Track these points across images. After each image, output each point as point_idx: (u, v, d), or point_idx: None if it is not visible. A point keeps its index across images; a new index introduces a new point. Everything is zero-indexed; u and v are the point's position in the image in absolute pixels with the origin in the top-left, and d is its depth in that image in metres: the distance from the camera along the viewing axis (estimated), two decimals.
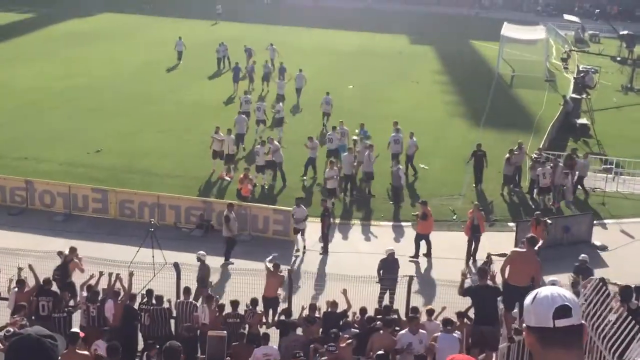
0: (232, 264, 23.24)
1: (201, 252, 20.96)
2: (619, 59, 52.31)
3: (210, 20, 69.06)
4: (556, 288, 3.71)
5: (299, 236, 24.92)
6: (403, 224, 27.01)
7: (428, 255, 24.09)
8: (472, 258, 23.67)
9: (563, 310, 3.59)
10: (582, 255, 20.62)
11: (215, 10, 69.55)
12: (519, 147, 30.43)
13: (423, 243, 24.25)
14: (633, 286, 15.95)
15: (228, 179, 29.82)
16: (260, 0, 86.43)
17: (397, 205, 28.26)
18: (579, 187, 29.36)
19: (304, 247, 24.70)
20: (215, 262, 22.53)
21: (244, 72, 44.96)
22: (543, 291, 3.69)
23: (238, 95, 40.86)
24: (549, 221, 24.13)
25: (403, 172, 29.13)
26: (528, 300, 3.72)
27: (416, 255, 23.98)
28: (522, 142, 31.31)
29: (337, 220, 26.98)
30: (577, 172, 29.08)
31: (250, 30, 60.66)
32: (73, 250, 19.72)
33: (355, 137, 31.46)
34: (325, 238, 24.63)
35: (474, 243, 23.80)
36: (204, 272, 20.36)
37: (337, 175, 28.10)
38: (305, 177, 30.22)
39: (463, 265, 23.12)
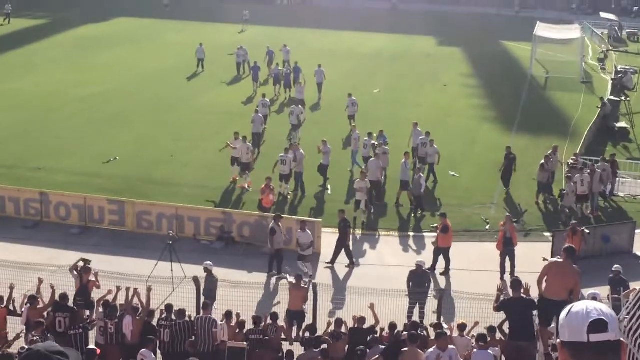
0: (285, 277, 21.84)
1: (208, 262, 20.38)
2: None
3: (236, 24, 68.21)
4: (593, 302, 3.57)
5: (300, 264, 22.91)
6: (428, 234, 25.91)
7: (446, 272, 23.02)
8: (509, 274, 22.41)
9: (598, 325, 3.46)
10: (616, 265, 19.72)
11: (242, 17, 68.17)
12: (554, 151, 29.13)
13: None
14: None
15: (248, 188, 28.82)
16: (286, 2, 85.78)
17: (418, 214, 27.14)
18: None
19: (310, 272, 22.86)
20: (237, 276, 21.76)
21: (266, 74, 44.83)
22: (578, 305, 3.57)
23: (258, 95, 40.34)
24: (587, 231, 22.95)
25: (424, 179, 27.86)
26: (563, 314, 3.60)
27: (433, 269, 22.78)
28: (557, 146, 30.00)
29: (359, 231, 25.96)
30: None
31: (275, 34, 59.56)
32: (87, 270, 18.86)
33: (374, 142, 30.17)
34: (348, 250, 23.56)
35: (508, 257, 22.55)
36: (212, 284, 19.77)
37: (367, 187, 26.76)
38: (327, 188, 29.12)
39: (497, 279, 22.05)
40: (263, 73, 44.69)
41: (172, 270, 21.09)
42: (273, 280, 22.51)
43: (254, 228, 24.87)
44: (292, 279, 19.58)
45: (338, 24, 69.63)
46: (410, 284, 20.11)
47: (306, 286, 19.34)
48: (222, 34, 61.67)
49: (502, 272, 22.62)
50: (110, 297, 17.56)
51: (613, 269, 19.55)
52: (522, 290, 15.60)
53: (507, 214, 24.30)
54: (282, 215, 23.99)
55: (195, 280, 19.01)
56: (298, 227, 23.32)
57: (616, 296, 18.14)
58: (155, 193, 28.40)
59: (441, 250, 22.99)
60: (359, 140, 30.79)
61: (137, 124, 37.48)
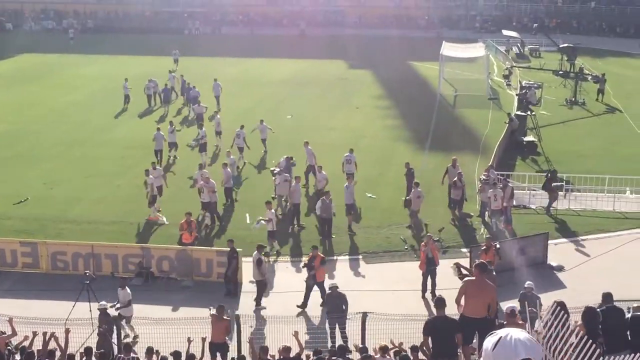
0: (265, 308, 22.13)
1: (102, 302, 19.99)
2: (561, 72, 52.38)
3: (142, 56, 67.34)
4: (518, 332, 3.55)
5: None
6: (359, 256, 26.08)
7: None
8: (431, 293, 22.63)
9: None
10: (528, 282, 19.83)
11: (172, 55, 65.24)
12: (453, 164, 29.97)
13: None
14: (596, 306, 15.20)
15: (162, 220, 28.40)
16: (194, 32, 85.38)
17: (326, 239, 27.05)
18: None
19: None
20: (160, 312, 21.37)
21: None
22: (505, 338, 3.55)
23: (170, 115, 42.61)
24: (498, 245, 23.40)
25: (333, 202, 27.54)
26: (489, 344, 3.58)
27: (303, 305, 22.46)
28: (455, 158, 30.79)
29: (280, 258, 25.90)
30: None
31: (186, 63, 59.14)
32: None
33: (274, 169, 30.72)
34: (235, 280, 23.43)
35: (430, 276, 22.79)
36: (111, 324, 19.22)
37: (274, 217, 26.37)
38: (246, 216, 29.04)
39: (419, 299, 22.32)
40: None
41: (90, 311, 20.41)
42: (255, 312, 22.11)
43: (174, 262, 24.50)
44: (213, 311, 19.25)
45: (247, 52, 69.73)
46: (326, 307, 20.10)
47: (228, 318, 19.11)
48: (131, 67, 60.81)
49: (424, 290, 22.84)
50: (26, 343, 16.88)
51: (525, 286, 19.66)
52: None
53: (428, 234, 24.52)
54: (265, 245, 24.00)
55: (116, 319, 18.59)
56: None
57: (531, 309, 18.32)
58: (70, 232, 27.67)
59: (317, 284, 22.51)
60: (234, 165, 32.21)
61: (47, 162, 36.46)
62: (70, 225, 28.69)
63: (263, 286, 22.80)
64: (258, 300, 22.68)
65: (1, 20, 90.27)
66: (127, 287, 21.57)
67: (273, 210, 26.57)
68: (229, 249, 23.63)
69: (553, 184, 29.45)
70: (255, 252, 22.91)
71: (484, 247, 23.07)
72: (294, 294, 22.76)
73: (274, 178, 30.14)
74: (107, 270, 24.54)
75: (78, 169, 35.27)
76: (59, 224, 28.74)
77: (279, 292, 23.53)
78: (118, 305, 21.21)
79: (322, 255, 23.04)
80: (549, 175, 29.90)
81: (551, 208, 29.25)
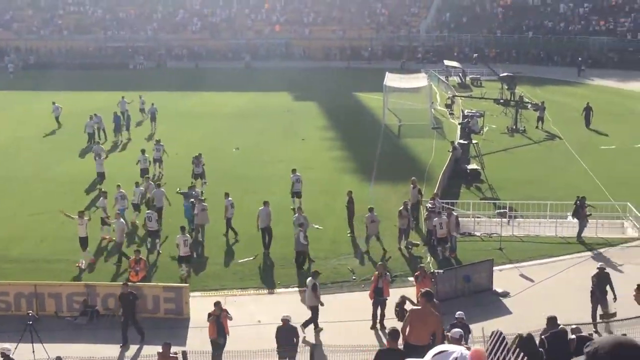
0: (322, 329, 22.57)
1: (5, 345, 19.43)
2: (501, 100, 53.43)
3: (88, 91, 66.77)
4: (454, 346, 3.61)
5: None
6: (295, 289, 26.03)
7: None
8: (379, 323, 22.69)
9: None
10: (458, 312, 19.60)
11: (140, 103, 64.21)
12: (413, 184, 31.53)
13: None
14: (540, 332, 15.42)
15: (82, 266, 27.82)
16: (139, 67, 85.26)
17: (300, 270, 27.11)
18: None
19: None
20: (106, 350, 21.04)
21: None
22: (448, 351, 3.61)
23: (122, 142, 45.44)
24: (435, 272, 23.65)
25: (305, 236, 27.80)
26: (429, 356, 3.63)
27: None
28: (415, 179, 32.33)
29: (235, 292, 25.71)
30: None
31: (132, 97, 58.84)
32: None
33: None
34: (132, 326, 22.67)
35: (379, 307, 22.82)
36: None
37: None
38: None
39: (367, 330, 22.37)
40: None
41: (33, 352, 19.98)
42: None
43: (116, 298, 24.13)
44: (159, 349, 18.92)
45: (193, 86, 69.70)
46: (278, 340, 19.89)
47: (175, 355, 18.85)
48: (76, 102, 60.20)
49: (374, 321, 22.86)
50: None
51: (456, 316, 19.26)
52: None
53: (380, 263, 24.54)
54: (318, 271, 23.89)
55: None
56: None
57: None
58: (12, 272, 27.03)
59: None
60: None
61: None
62: (12, 264, 28.06)
63: (317, 311, 22.70)
64: (314, 324, 22.66)
65: None
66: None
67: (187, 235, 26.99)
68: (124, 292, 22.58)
69: (583, 209, 29.48)
70: (310, 278, 22.95)
71: (417, 274, 23.18)
72: (246, 328, 22.60)
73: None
74: (51, 310, 24.06)
75: (21, 206, 34.67)
76: (1, 264, 28.12)
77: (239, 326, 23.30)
78: None
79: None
80: (579, 202, 29.71)
81: (495, 234, 29.65)
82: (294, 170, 34.08)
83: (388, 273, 23.63)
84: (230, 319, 20.84)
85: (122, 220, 28.59)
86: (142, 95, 52.20)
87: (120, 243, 28.16)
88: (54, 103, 52.84)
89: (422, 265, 24.57)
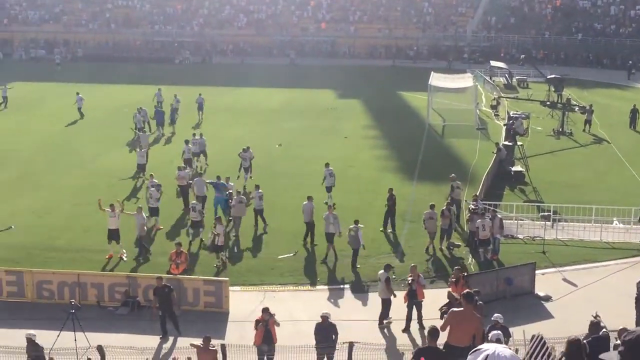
0: (391, 322, 22.82)
1: (31, 332, 19.68)
2: (548, 103, 52.74)
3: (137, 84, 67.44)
4: (503, 349, 3.68)
5: None
6: (345, 286, 25.99)
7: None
8: (418, 323, 22.53)
9: None
10: (495, 314, 19.34)
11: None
12: (452, 179, 31.84)
13: None
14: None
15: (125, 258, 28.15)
16: (186, 61, 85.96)
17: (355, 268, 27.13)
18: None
19: None
20: (146, 341, 21.23)
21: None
22: (493, 354, 3.68)
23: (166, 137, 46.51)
24: (465, 274, 23.48)
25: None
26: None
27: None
28: (454, 175, 32.69)
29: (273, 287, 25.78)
30: None
31: (177, 92, 59.22)
32: None
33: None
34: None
35: (415, 308, 22.67)
36: (37, 353, 18.92)
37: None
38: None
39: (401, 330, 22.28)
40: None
41: (75, 340, 20.17)
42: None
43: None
44: (197, 340, 19.06)
45: (238, 81, 70.05)
46: (317, 336, 19.83)
47: (215, 348, 18.95)
48: (121, 95, 60.95)
49: (408, 322, 22.68)
50: None
51: (492, 319, 18.93)
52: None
53: (412, 265, 24.17)
54: (391, 265, 24.03)
55: (100, 349, 18.40)
56: None
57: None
58: (56, 261, 27.46)
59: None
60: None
61: (35, 189, 36.37)
62: (56, 253, 28.51)
63: (389, 304, 22.87)
64: (385, 316, 22.85)
65: None
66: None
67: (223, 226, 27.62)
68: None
69: None
70: (383, 271, 23.07)
71: (454, 279, 23.02)
72: (286, 323, 22.61)
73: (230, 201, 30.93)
74: (93, 300, 24.37)
75: (67, 197, 35.18)
76: (46, 252, 28.57)
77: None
78: None
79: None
80: None
81: (538, 237, 29.29)
82: (327, 165, 34.27)
83: (421, 275, 23.33)
84: (278, 325, 20.24)
85: (143, 214, 28.69)
86: (177, 94, 51.67)
87: (141, 236, 28.34)
88: (77, 94, 53.51)
89: (457, 267, 24.30)
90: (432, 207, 28.93)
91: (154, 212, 30.85)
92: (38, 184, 37.44)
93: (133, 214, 28.62)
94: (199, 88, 59.38)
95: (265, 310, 20.06)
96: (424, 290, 22.99)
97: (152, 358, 20.68)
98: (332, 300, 24.92)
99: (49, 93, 61.52)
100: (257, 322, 20.01)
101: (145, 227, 28.64)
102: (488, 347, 3.73)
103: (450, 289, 22.88)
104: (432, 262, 27.65)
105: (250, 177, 36.55)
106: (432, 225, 28.56)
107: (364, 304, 24.68)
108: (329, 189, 33.64)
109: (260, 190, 31.15)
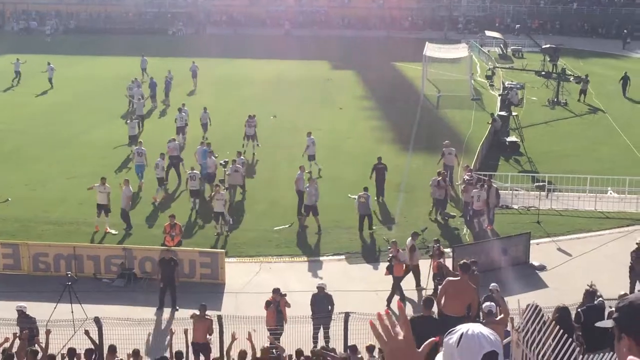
0: (424, 288, 22.97)
1: (22, 304, 19.67)
2: (543, 73, 52.52)
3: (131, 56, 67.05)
4: (478, 327, 3.58)
5: None
6: (342, 257, 26.14)
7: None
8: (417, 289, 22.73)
9: (491, 357, 3.51)
10: (492, 284, 19.46)
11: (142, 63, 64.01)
12: (446, 145, 31.96)
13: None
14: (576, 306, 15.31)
15: (113, 232, 28.03)
16: (179, 33, 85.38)
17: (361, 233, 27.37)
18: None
19: None
20: (142, 313, 21.35)
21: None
22: (467, 332, 3.56)
23: (159, 109, 46.24)
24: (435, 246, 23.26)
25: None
26: (451, 341, 3.58)
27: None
28: (449, 142, 32.73)
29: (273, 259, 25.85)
30: None
31: (170, 64, 58.61)
32: None
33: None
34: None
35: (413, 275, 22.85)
36: (29, 325, 18.80)
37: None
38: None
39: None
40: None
41: (72, 312, 20.35)
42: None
43: (156, 263, 24.36)
44: (195, 311, 19.19)
45: (231, 53, 69.65)
46: (313, 307, 19.97)
47: (210, 317, 19.06)
48: (113, 67, 60.52)
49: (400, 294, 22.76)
50: (7, 345, 16.76)
51: (490, 287, 18.86)
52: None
53: (392, 240, 23.79)
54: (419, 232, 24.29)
55: (97, 320, 18.46)
56: None
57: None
58: (52, 234, 27.51)
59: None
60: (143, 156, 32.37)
61: (28, 163, 36.19)
62: (52, 226, 28.54)
63: (417, 270, 23.08)
64: (417, 284, 23.09)
65: None
66: None
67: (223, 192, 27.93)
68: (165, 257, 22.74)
69: None
70: (410, 239, 23.15)
71: (437, 253, 22.87)
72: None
73: (225, 169, 31.45)
74: (89, 272, 24.45)
75: (61, 170, 35.09)
76: (41, 225, 28.57)
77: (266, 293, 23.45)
78: None
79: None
80: None
81: (532, 207, 29.36)
82: (309, 134, 34.38)
83: (401, 251, 23.16)
84: (289, 306, 19.97)
85: (129, 187, 28.53)
86: (170, 71, 51.03)
87: (125, 209, 28.15)
88: (49, 63, 52.86)
89: (435, 239, 24.19)
90: (439, 174, 28.96)
91: (159, 182, 31.12)
92: (31, 157, 37.25)
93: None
94: (193, 59, 59.01)
95: (276, 291, 19.88)
96: (421, 261, 23.17)
97: (149, 330, 20.75)
98: (328, 271, 25.00)
99: (40, 66, 61.03)
100: (268, 303, 19.76)
101: (130, 201, 28.51)
102: (461, 327, 3.64)
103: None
104: (427, 233, 27.64)
105: (257, 145, 36.98)
106: (436, 192, 28.68)
107: (360, 274, 24.76)
108: (312, 157, 33.60)
109: (242, 157, 31.85)
